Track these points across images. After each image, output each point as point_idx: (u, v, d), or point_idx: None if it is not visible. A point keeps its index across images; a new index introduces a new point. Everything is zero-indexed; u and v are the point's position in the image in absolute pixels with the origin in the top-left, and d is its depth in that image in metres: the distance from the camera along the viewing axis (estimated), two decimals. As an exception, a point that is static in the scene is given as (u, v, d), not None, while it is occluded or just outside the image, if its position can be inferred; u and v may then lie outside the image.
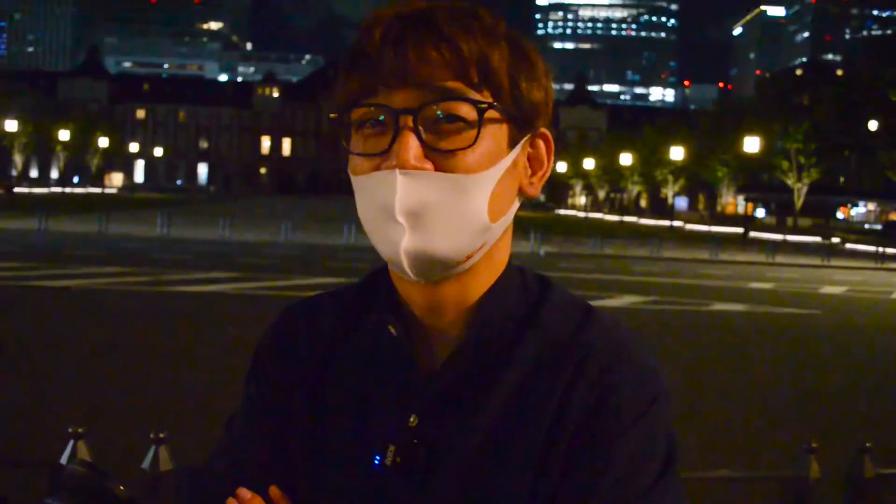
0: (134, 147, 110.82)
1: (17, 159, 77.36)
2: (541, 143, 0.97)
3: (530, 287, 0.99)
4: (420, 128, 0.88)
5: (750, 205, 75.06)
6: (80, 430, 2.72)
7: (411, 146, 0.87)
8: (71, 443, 2.72)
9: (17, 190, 66.16)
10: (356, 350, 1.00)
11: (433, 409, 0.93)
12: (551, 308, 0.97)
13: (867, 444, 3.16)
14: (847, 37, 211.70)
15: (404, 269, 0.89)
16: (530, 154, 0.97)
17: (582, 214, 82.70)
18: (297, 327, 1.04)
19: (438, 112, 0.88)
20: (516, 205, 0.96)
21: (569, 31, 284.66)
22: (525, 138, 0.95)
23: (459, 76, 0.88)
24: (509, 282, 0.97)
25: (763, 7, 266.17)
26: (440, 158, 0.88)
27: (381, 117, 0.90)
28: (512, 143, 0.93)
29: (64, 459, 2.72)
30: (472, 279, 0.94)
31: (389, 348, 0.96)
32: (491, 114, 0.90)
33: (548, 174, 0.98)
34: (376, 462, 0.92)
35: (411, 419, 0.93)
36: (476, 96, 0.89)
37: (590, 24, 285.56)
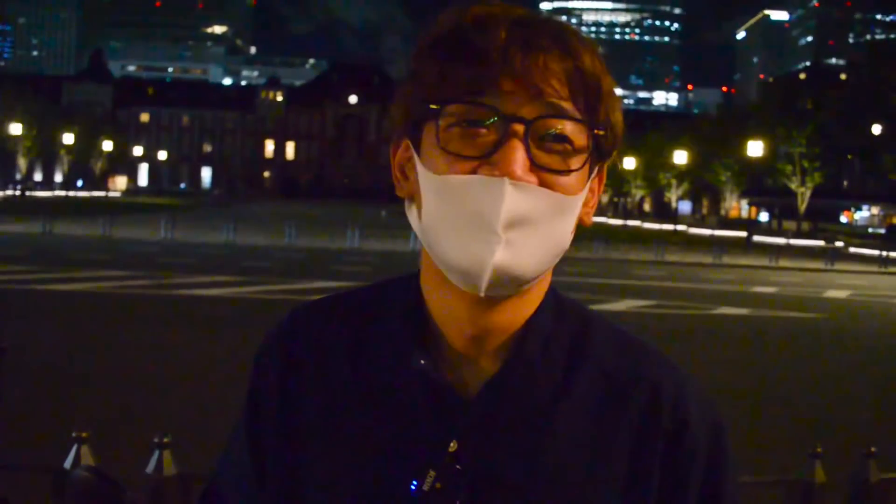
0: (138, 151, 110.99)
1: (22, 163, 77.50)
2: (599, 176, 0.94)
3: (568, 312, 0.96)
4: (536, 143, 0.84)
5: (753, 209, 75.03)
6: (83, 434, 2.72)
7: (519, 157, 0.82)
8: (75, 447, 2.72)
9: (26, 194, 66.90)
10: (378, 373, 0.94)
11: (475, 434, 0.89)
12: (601, 338, 0.96)
13: (872, 449, 3.15)
14: (850, 41, 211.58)
15: (480, 283, 0.83)
16: (591, 186, 0.92)
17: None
18: (304, 339, 0.98)
19: (549, 129, 0.84)
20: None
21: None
22: (598, 167, 0.91)
23: (573, 95, 0.85)
24: (549, 305, 0.95)
25: (766, 11, 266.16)
26: (543, 176, 0.84)
27: (481, 123, 0.84)
28: (592, 171, 0.90)
29: (68, 464, 2.72)
30: (525, 301, 0.91)
31: (416, 378, 0.91)
32: (598, 141, 0.88)
33: (596, 205, 0.94)
34: (412, 487, 0.88)
35: (451, 445, 0.89)
36: (596, 127, 0.87)
37: (593, 29, 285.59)
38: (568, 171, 0.85)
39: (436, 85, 0.85)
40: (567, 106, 0.84)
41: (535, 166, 0.84)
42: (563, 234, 0.87)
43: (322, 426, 0.94)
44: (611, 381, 0.93)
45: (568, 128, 0.84)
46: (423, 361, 0.91)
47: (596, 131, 0.86)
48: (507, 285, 0.85)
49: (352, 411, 0.93)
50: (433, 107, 0.85)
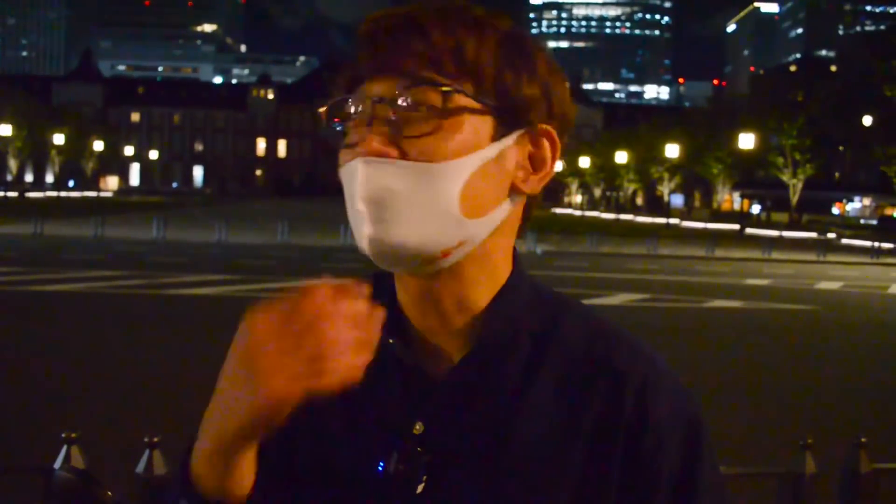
0: (129, 150, 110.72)
1: (13, 164, 77.26)
2: (545, 142, 0.92)
3: (545, 301, 0.96)
4: (393, 116, 0.86)
5: (746, 201, 75.20)
6: (73, 434, 2.71)
7: (378, 133, 0.86)
8: (64, 448, 2.71)
9: (19, 195, 67.12)
10: None
11: (440, 417, 0.91)
12: (573, 326, 0.95)
13: (862, 439, 3.15)
14: (840, 32, 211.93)
15: (373, 258, 0.89)
16: (532, 153, 0.92)
17: (578, 213, 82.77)
18: None
19: (410, 100, 0.86)
20: (506, 206, 0.91)
21: (563, 29, 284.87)
22: (516, 133, 0.90)
23: (434, 66, 0.87)
24: (519, 290, 0.95)
25: (757, 4, 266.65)
26: (407, 145, 0.86)
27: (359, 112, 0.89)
28: (497, 137, 0.89)
29: (58, 464, 2.72)
30: (466, 279, 0.92)
31: (390, 356, 0.93)
32: (462, 101, 0.87)
33: (550, 174, 0.93)
34: (379, 469, 0.90)
35: (416, 426, 0.91)
36: (451, 85, 0.87)
37: (584, 23, 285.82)
38: (417, 137, 0.85)
39: (331, 92, 0.92)
40: (427, 75, 0.86)
41: (396, 137, 0.86)
42: (441, 202, 0.86)
43: (306, 406, 0.93)
44: (577, 369, 0.92)
45: (429, 94, 0.86)
46: (391, 340, 0.92)
47: (444, 88, 0.86)
48: (400, 259, 0.88)
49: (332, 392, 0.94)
50: (320, 110, 0.92)
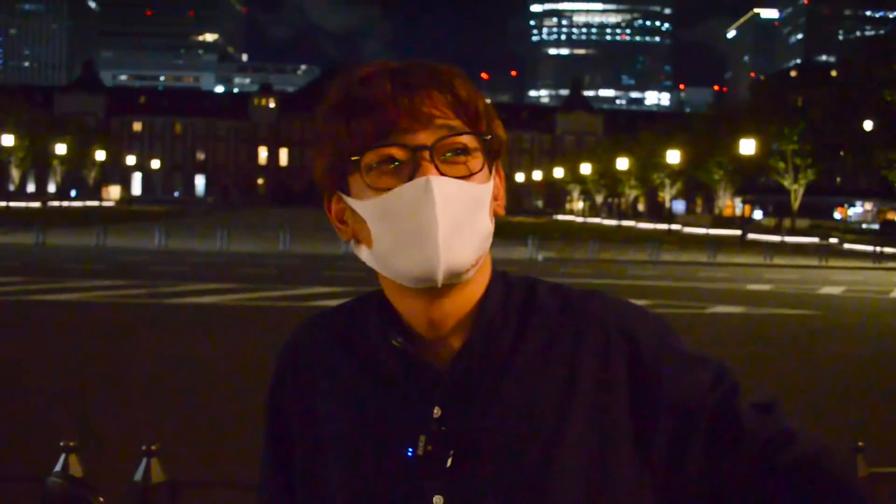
0: (131, 160, 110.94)
1: (15, 174, 77.39)
2: (500, 173, 1.13)
3: (517, 286, 1.13)
4: (435, 161, 1.02)
5: (747, 207, 75.17)
6: (71, 443, 2.72)
7: (432, 173, 1.01)
8: (63, 456, 2.72)
9: (23, 204, 67.19)
10: (364, 364, 1.11)
11: (453, 399, 1.05)
12: (546, 296, 1.12)
13: (860, 444, 3.16)
14: (841, 37, 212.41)
15: (436, 274, 1.00)
16: (496, 183, 1.11)
17: (580, 219, 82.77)
18: (299, 364, 1.16)
19: (448, 146, 1.03)
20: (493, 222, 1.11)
21: (563, 37, 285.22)
22: (493, 167, 1.10)
23: (459, 115, 1.04)
24: (498, 285, 1.12)
25: (757, 10, 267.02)
26: None
27: (395, 159, 1.03)
28: (490, 171, 1.09)
29: (56, 473, 2.72)
30: (471, 286, 1.08)
31: (397, 358, 1.08)
32: (478, 143, 1.06)
33: (504, 200, 1.14)
34: (409, 454, 1.04)
35: (435, 411, 1.05)
36: (471, 131, 1.06)
37: (584, 30, 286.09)
38: (471, 175, 1.04)
39: (348, 141, 1.04)
40: (457, 123, 1.04)
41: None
42: (483, 217, 1.05)
43: (329, 407, 1.12)
44: (556, 326, 1.09)
45: (462, 140, 1.04)
46: (399, 340, 1.08)
47: (485, 137, 1.06)
48: (454, 274, 1.02)
49: (351, 392, 1.11)
50: (354, 158, 1.03)
